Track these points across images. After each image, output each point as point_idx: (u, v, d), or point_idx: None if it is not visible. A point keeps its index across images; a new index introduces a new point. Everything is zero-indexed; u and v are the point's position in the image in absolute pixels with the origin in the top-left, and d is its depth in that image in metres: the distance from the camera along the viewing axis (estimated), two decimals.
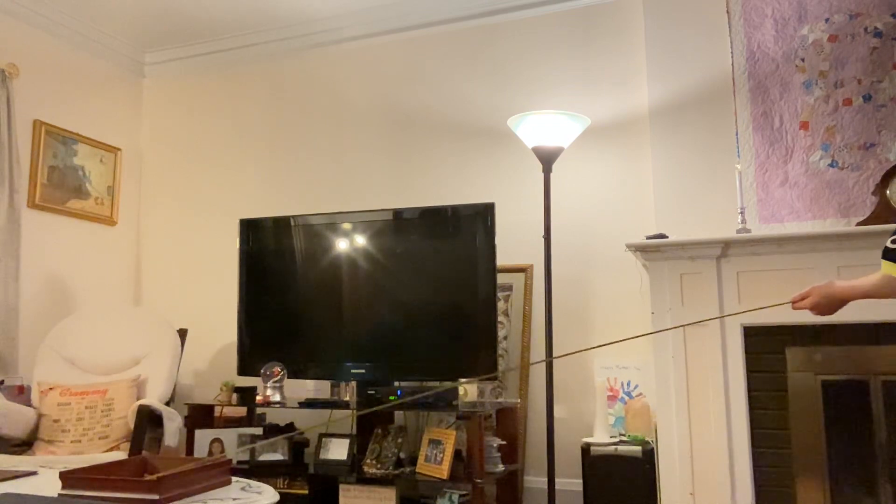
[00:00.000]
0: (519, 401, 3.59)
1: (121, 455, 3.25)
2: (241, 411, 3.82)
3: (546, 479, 3.27)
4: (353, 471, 3.33)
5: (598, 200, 3.72)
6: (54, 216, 4.17)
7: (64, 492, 2.08)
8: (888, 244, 1.86)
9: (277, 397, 3.53)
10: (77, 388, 3.54)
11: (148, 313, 4.03)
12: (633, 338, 2.05)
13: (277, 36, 4.46)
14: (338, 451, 3.41)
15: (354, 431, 3.57)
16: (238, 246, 3.89)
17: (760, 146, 3.15)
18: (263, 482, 2.35)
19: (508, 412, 3.47)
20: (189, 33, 4.53)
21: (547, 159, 3.38)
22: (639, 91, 3.64)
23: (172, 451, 3.56)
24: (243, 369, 3.76)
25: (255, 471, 3.39)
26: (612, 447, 3.10)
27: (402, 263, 3.57)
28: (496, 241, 3.37)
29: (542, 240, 3.34)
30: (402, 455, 3.33)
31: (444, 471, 3.10)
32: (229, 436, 3.63)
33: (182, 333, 3.88)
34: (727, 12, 3.27)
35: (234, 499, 2.11)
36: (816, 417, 2.80)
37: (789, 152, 3.11)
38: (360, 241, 3.67)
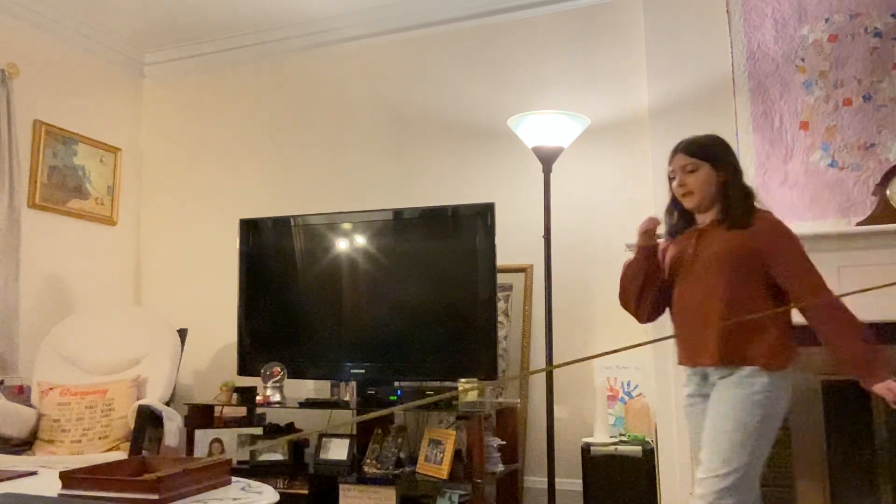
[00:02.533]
0: (519, 401, 3.60)
1: (121, 455, 3.26)
2: (241, 411, 3.82)
3: (546, 479, 3.27)
4: (353, 471, 3.33)
5: (598, 200, 3.72)
6: (54, 216, 4.17)
7: (64, 492, 2.08)
8: None
9: (277, 397, 3.53)
10: (77, 388, 3.54)
11: (148, 313, 4.03)
12: (639, 345, 2.05)
13: (277, 36, 4.46)
14: (338, 451, 3.41)
15: (354, 431, 3.57)
16: (238, 246, 3.89)
17: (760, 146, 3.14)
18: (263, 482, 2.35)
19: (508, 412, 3.47)
20: (189, 33, 4.53)
21: (547, 159, 3.38)
22: (639, 91, 3.63)
23: (172, 451, 3.56)
24: (243, 369, 3.76)
25: (255, 471, 3.39)
26: (612, 447, 3.11)
27: (402, 263, 3.57)
28: (496, 241, 3.37)
29: (542, 240, 3.34)
30: (402, 455, 3.33)
31: (444, 471, 3.10)
32: (229, 436, 3.63)
33: (182, 333, 3.88)
34: (727, 12, 3.27)
35: (234, 499, 2.11)
36: (816, 417, 2.80)
37: (789, 152, 3.11)
38: (360, 241, 3.67)
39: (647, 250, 2.22)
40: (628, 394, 3.40)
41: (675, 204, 2.25)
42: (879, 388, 1.96)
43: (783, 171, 3.10)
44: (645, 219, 2.21)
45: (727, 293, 2.05)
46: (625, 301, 2.32)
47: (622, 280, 2.28)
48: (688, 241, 2.17)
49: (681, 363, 2.22)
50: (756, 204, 2.15)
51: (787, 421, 2.83)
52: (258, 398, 3.56)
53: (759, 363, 2.01)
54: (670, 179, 2.22)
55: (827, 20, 3.11)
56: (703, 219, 2.19)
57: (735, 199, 2.12)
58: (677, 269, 2.19)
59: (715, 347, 2.05)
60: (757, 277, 2.05)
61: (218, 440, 3.62)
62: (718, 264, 2.07)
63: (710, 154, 2.15)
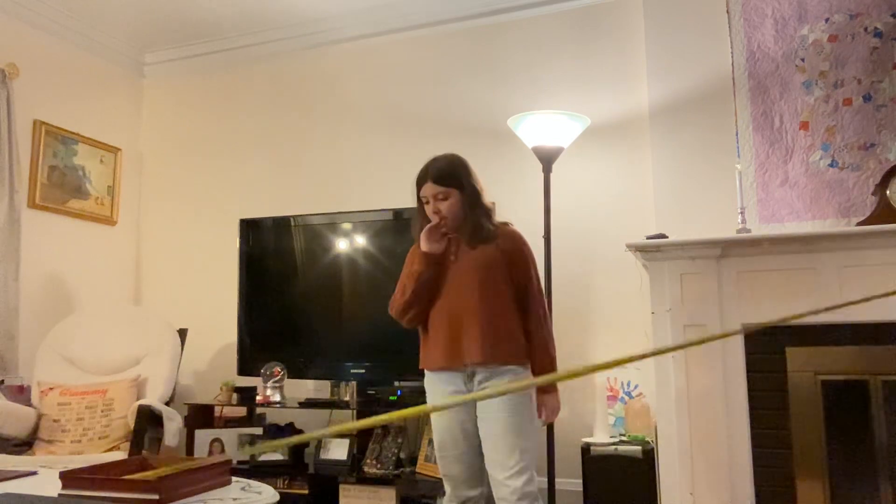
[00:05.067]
0: None
1: (121, 455, 3.26)
2: (241, 411, 3.83)
3: (546, 479, 3.27)
4: (353, 471, 3.33)
5: (598, 200, 3.72)
6: (54, 216, 4.17)
7: (64, 492, 2.08)
8: None
9: (277, 397, 3.54)
10: (77, 388, 3.54)
11: (148, 313, 4.03)
12: (645, 356, 2.05)
13: (277, 36, 4.46)
14: (338, 451, 3.41)
15: (354, 431, 3.57)
16: (238, 246, 3.89)
17: (760, 146, 3.14)
18: (263, 482, 2.35)
19: None
20: (189, 33, 4.53)
21: (547, 159, 3.38)
22: (639, 91, 3.64)
23: (172, 451, 3.56)
24: (243, 369, 3.76)
25: (255, 471, 3.39)
26: (612, 447, 3.10)
27: (402, 263, 3.57)
28: None
29: (542, 240, 3.34)
30: (402, 455, 3.33)
31: None
32: (229, 436, 3.63)
33: (182, 333, 3.88)
34: (727, 12, 3.27)
35: (234, 499, 2.11)
36: (816, 417, 2.80)
37: (789, 152, 3.11)
38: (360, 241, 3.67)
39: (435, 257, 2.38)
40: (628, 394, 3.40)
41: (428, 220, 2.43)
42: (549, 398, 2.42)
43: (783, 171, 3.10)
44: (429, 228, 2.37)
45: (483, 297, 2.32)
46: (407, 306, 2.44)
47: (412, 289, 2.41)
48: (447, 250, 2.41)
49: (441, 366, 2.36)
50: (497, 217, 2.44)
51: (787, 421, 2.83)
52: (258, 398, 3.56)
53: (521, 362, 2.35)
54: (423, 201, 2.43)
55: (827, 20, 3.11)
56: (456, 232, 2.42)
57: (479, 220, 2.39)
58: (439, 275, 2.40)
59: (482, 347, 2.29)
60: (504, 280, 2.36)
61: (218, 440, 3.63)
62: (475, 271, 2.35)
63: (457, 181, 2.40)
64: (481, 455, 2.35)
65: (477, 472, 2.38)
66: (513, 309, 2.37)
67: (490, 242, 2.38)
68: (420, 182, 2.43)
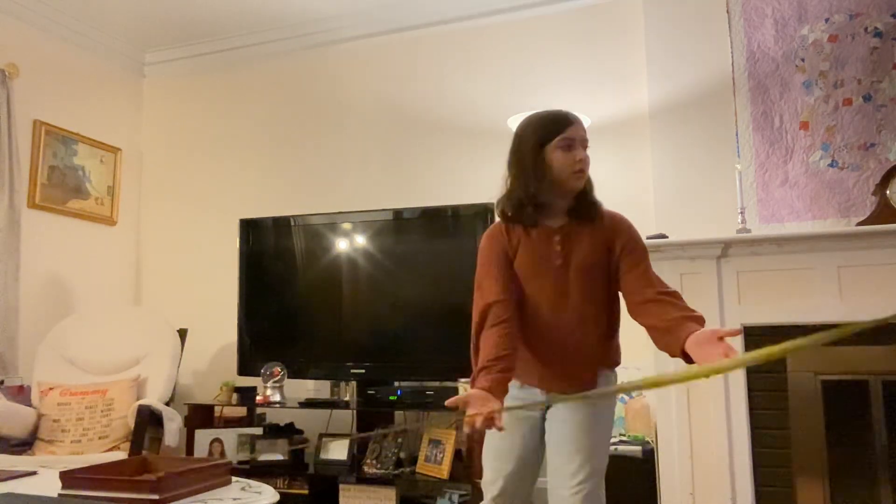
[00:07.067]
0: None
1: (121, 455, 3.25)
2: (241, 411, 3.82)
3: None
4: (353, 471, 3.33)
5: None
6: (54, 216, 4.17)
7: (64, 492, 2.08)
8: None
9: (277, 397, 3.53)
10: (77, 388, 3.54)
11: (148, 313, 4.03)
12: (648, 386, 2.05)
13: (277, 36, 4.46)
14: (338, 451, 3.41)
15: (355, 431, 3.57)
16: (238, 246, 3.89)
17: (760, 146, 3.14)
18: (263, 482, 2.35)
19: None
20: (189, 33, 4.53)
21: None
22: (639, 90, 3.63)
23: (172, 451, 3.56)
24: (243, 369, 3.76)
25: (255, 471, 3.39)
26: (613, 447, 3.10)
27: (402, 263, 3.57)
28: None
29: None
30: (402, 455, 3.33)
31: (444, 471, 3.10)
32: (229, 436, 3.63)
33: (182, 333, 3.88)
34: (727, 12, 3.27)
35: (234, 499, 2.11)
36: (816, 417, 2.80)
37: (789, 152, 3.11)
38: (360, 241, 3.67)
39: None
40: (628, 393, 3.40)
41: (541, 181, 1.84)
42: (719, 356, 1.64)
43: (783, 171, 3.10)
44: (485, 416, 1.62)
45: (586, 319, 1.86)
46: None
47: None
48: (549, 244, 1.85)
49: (534, 385, 1.94)
50: None
51: (787, 421, 2.83)
52: (258, 398, 3.56)
53: (614, 366, 1.99)
54: (564, 144, 1.83)
55: (827, 20, 3.11)
56: (555, 211, 1.90)
57: (592, 186, 1.92)
58: (537, 278, 1.87)
59: (580, 381, 1.88)
60: (604, 282, 1.89)
61: (218, 440, 3.63)
62: (580, 281, 1.84)
63: None
64: (531, 476, 2.04)
65: (525, 491, 2.04)
66: (611, 316, 1.95)
67: (595, 224, 1.89)
68: (565, 123, 1.85)
